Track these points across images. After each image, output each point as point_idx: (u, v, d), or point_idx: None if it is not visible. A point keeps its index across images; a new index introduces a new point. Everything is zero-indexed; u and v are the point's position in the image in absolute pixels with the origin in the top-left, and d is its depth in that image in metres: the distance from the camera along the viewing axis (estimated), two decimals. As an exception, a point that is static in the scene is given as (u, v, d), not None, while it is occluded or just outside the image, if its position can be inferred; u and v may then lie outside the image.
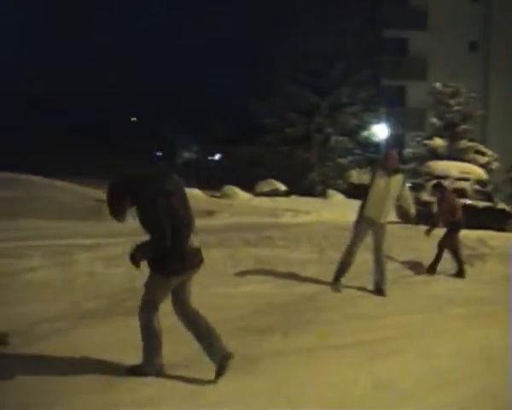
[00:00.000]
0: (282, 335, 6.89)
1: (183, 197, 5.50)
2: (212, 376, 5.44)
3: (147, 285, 5.52)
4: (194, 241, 5.52)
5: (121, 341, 6.40)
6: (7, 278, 8.92)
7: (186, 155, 77.09)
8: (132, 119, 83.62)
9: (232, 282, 9.64)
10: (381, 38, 43.12)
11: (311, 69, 41.64)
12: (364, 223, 9.75)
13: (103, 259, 10.57)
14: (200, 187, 31.67)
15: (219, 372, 5.48)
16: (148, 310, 5.55)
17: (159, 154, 72.80)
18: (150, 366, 5.61)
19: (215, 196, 31.18)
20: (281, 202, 30.00)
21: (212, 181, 36.37)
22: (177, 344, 5.98)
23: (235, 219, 17.77)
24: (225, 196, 31.89)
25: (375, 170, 10.00)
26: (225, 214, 19.26)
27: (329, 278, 10.11)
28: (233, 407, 5.04)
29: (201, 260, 5.65)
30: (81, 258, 10.48)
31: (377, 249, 9.76)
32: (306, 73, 41.72)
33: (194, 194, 27.77)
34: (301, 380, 5.64)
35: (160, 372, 5.60)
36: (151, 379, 5.41)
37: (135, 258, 5.23)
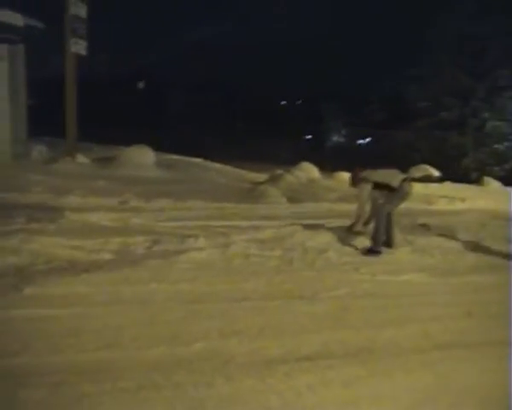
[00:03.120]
0: (443, 327, 6.75)
1: None
2: (364, 369, 5.40)
3: None
4: None
5: (279, 324, 6.48)
6: (175, 256, 9.24)
7: (335, 138, 76.84)
8: (282, 102, 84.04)
9: (388, 269, 9.54)
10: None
11: (467, 51, 40.46)
12: None
13: (259, 241, 10.72)
14: (351, 171, 31.36)
15: None
16: None
17: (308, 137, 72.97)
18: None
19: (366, 181, 30.80)
20: (434, 188, 29.28)
21: (363, 165, 35.99)
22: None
23: (389, 205, 17.54)
24: (377, 180, 31.36)
25: None
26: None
27: (487, 269, 9.91)
28: (396, 399, 4.98)
29: None
30: (237, 239, 10.66)
31: None
32: (462, 55, 40.58)
33: (345, 178, 27.59)
34: (464, 376, 5.49)
35: None
36: (309, 366, 5.43)
37: None
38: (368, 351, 5.85)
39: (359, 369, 5.43)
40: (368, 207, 11.12)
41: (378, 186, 10.79)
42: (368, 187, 10.81)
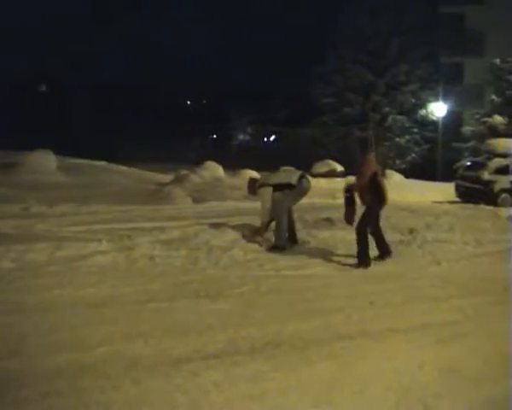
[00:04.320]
0: (346, 318, 6.89)
1: None
2: (270, 364, 5.50)
3: None
4: None
5: (185, 323, 6.49)
6: (79, 261, 9.14)
7: (241, 137, 77.13)
8: (188, 102, 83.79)
9: (293, 264, 9.66)
10: (438, 13, 42.31)
11: (367, 48, 41.27)
12: None
13: (164, 242, 10.70)
14: (256, 168, 31.59)
15: None
16: None
17: (214, 137, 72.94)
18: None
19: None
20: (338, 182, 29.77)
21: (269, 162, 36.27)
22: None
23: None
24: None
25: None
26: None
27: (390, 258, 10.19)
28: (301, 391, 5.06)
29: None
30: (142, 241, 10.61)
31: None
32: (363, 52, 41.37)
33: (252, 176, 27.77)
34: (367, 364, 5.62)
35: None
36: (215, 364, 5.46)
37: None
38: (273, 346, 5.92)
39: (265, 364, 5.49)
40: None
41: (278, 187, 10.94)
42: (268, 191, 10.95)
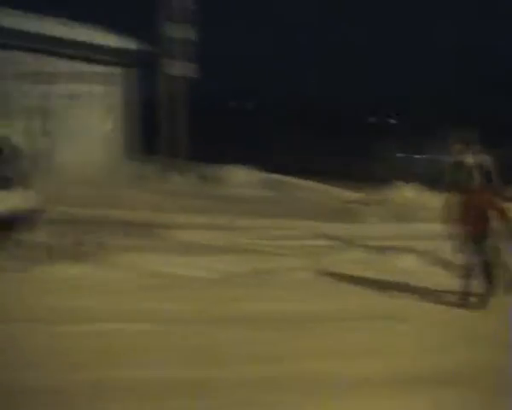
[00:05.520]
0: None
1: None
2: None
3: None
4: None
5: (381, 343, 6.51)
6: (275, 275, 9.44)
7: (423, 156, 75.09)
8: (370, 119, 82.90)
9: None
10: None
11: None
12: None
13: (350, 262, 10.68)
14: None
15: None
16: None
17: (399, 155, 71.63)
18: None
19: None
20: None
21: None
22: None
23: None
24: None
25: None
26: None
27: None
28: None
29: None
30: (336, 259, 10.68)
31: None
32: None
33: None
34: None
35: None
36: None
37: None
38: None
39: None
40: None
41: None
42: None
